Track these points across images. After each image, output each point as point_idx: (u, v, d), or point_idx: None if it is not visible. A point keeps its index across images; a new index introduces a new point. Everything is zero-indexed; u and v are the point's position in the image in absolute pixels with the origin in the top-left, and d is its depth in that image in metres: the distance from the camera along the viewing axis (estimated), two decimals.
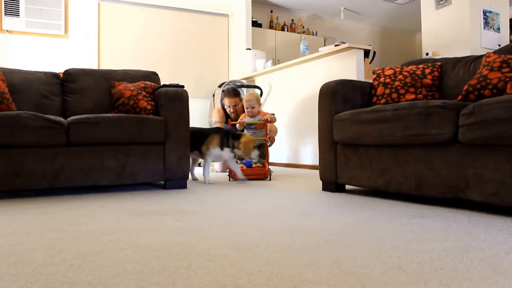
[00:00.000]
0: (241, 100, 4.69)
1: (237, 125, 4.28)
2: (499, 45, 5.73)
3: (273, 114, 4.41)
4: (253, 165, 3.92)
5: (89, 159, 2.79)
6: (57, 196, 2.73)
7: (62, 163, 2.72)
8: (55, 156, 2.70)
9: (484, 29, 5.73)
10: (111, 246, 1.40)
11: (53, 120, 2.70)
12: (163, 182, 3.15)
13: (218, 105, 5.02)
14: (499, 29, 5.88)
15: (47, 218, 1.94)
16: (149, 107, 3.18)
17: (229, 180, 3.79)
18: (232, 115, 4.76)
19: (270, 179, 3.78)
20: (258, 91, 5.73)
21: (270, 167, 4.64)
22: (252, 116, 4.30)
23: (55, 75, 3.48)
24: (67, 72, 3.51)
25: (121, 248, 1.36)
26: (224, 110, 4.77)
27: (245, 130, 4.42)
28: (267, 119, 4.16)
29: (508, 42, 5.96)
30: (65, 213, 2.09)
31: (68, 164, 2.74)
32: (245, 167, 3.86)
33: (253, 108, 4.23)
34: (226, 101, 4.63)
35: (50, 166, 2.69)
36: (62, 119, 2.79)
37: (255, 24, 6.99)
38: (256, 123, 4.35)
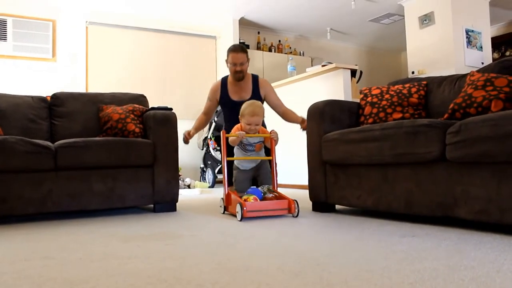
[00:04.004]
0: (249, 59, 3.78)
1: (230, 139, 2.94)
2: (482, 63, 5.84)
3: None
4: (268, 197, 2.76)
5: (77, 184, 2.76)
6: (45, 222, 2.69)
7: (50, 187, 2.69)
8: (42, 181, 2.68)
9: (467, 47, 5.85)
10: (99, 273, 1.38)
11: (41, 144, 2.68)
12: (152, 205, 3.12)
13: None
14: (481, 47, 6.00)
15: (33, 245, 1.91)
16: (137, 130, 3.17)
17: (223, 212, 2.88)
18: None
19: (297, 215, 2.61)
20: None
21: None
22: (252, 133, 2.93)
23: (42, 99, 3.46)
24: (55, 96, 3.50)
25: (110, 275, 1.34)
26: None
27: (238, 149, 3.01)
28: (273, 137, 2.93)
29: (491, 60, 6.08)
30: (52, 239, 2.06)
31: (56, 189, 2.71)
32: (258, 199, 2.65)
33: (257, 125, 2.91)
34: (231, 58, 3.68)
35: (38, 191, 2.66)
36: (49, 143, 2.77)
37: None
38: (256, 144, 2.97)
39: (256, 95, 3.68)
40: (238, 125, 2.99)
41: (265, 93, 3.73)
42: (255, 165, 3.02)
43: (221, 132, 2.93)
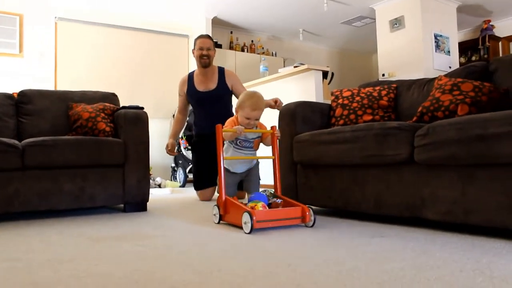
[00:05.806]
0: (215, 49, 3.85)
1: (224, 135, 2.45)
2: (450, 67, 6.00)
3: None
4: (274, 203, 2.35)
5: (45, 183, 2.70)
6: (12, 222, 2.62)
7: (17, 187, 2.62)
8: (9, 181, 2.60)
9: (436, 52, 6.00)
10: (68, 274, 1.36)
11: (6, 142, 2.61)
12: (122, 205, 3.09)
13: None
14: (449, 52, 6.16)
15: None
16: (108, 129, 3.12)
17: (218, 222, 2.40)
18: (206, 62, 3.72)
19: (313, 225, 2.23)
20: None
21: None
22: (249, 128, 2.52)
23: (9, 96, 3.37)
24: (22, 93, 3.41)
25: (80, 277, 1.33)
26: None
27: (230, 147, 2.60)
28: (275, 134, 2.51)
29: (458, 64, 6.25)
30: (19, 240, 2.01)
31: (23, 189, 2.64)
32: (266, 207, 2.24)
33: (256, 120, 2.53)
34: (198, 43, 3.71)
35: (4, 191, 2.59)
36: (16, 141, 2.70)
37: (215, 44, 7.04)
38: (255, 139, 2.61)
39: (223, 85, 3.72)
40: (233, 118, 2.57)
41: (232, 83, 3.79)
42: (249, 167, 2.68)
43: (216, 126, 2.39)
